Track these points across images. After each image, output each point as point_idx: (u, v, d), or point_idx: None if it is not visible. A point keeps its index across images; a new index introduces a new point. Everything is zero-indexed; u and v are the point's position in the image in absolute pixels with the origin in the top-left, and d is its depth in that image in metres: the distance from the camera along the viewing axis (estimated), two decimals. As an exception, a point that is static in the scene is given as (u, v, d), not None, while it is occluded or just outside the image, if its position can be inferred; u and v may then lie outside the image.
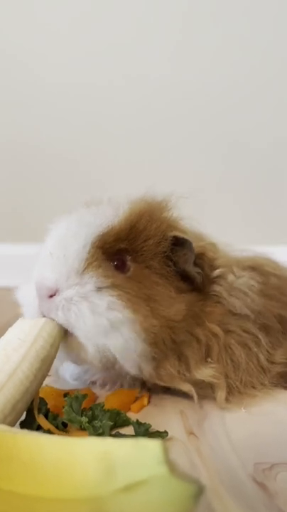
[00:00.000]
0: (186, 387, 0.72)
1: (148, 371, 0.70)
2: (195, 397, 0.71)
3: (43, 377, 0.63)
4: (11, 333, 0.62)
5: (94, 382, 0.80)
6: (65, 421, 0.63)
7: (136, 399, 0.73)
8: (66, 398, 0.64)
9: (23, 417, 0.62)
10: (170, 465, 0.34)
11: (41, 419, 0.61)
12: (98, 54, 2.01)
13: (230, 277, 0.78)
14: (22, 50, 2.05)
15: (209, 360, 0.73)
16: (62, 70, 2.05)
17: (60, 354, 0.69)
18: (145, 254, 0.73)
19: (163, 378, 0.72)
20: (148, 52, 1.97)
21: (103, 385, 0.79)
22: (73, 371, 0.81)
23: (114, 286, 0.68)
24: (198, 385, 0.72)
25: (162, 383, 0.72)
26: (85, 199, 0.82)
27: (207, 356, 0.73)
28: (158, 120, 2.02)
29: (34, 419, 0.61)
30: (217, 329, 0.74)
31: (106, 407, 0.66)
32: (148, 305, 0.69)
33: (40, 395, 0.66)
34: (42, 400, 0.65)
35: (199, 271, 0.75)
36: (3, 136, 2.13)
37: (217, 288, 0.77)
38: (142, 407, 0.71)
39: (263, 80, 1.95)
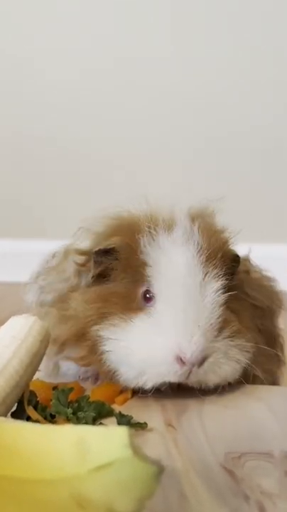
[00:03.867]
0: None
1: None
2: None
3: (33, 372, 0.68)
4: (3, 331, 0.67)
5: (86, 378, 0.85)
6: (52, 413, 0.69)
7: (121, 392, 0.78)
8: (53, 392, 0.70)
9: (14, 408, 0.67)
10: (135, 448, 0.40)
11: (30, 411, 0.66)
12: (99, 48, 2.02)
13: None
14: (23, 44, 2.07)
15: None
16: (64, 63, 2.06)
17: None
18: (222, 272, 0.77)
19: None
20: (149, 50, 1.97)
21: (95, 380, 0.84)
22: (70, 366, 0.85)
23: (242, 332, 0.77)
24: None
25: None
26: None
27: None
28: (157, 115, 2.04)
29: (24, 410, 0.66)
30: None
31: (92, 399, 0.71)
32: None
33: (31, 388, 0.71)
34: (32, 392, 0.70)
35: None
36: (4, 130, 2.13)
37: None
38: (126, 399, 0.76)
39: (263, 76, 1.95)
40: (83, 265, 0.81)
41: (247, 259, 0.88)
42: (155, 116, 2.03)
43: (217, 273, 0.75)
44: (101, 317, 0.76)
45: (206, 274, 0.75)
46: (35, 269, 0.90)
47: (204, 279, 0.74)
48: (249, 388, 0.80)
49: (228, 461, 0.61)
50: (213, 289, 0.74)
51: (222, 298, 0.75)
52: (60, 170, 2.11)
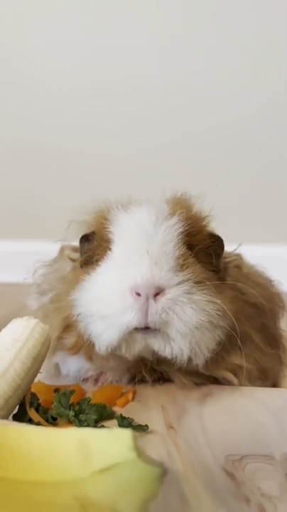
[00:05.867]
0: (228, 375, 0.78)
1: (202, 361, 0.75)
2: (236, 381, 0.78)
3: (34, 375, 0.68)
4: (4, 333, 0.67)
5: (86, 379, 0.85)
6: (54, 415, 0.69)
7: (122, 394, 0.78)
8: (55, 394, 0.70)
9: (15, 411, 0.67)
10: (138, 451, 0.40)
11: (32, 413, 0.67)
12: (99, 50, 2.02)
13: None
14: (22, 45, 2.07)
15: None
16: (64, 65, 2.06)
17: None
18: (198, 250, 0.78)
19: (209, 367, 0.77)
20: (148, 47, 1.97)
21: (95, 382, 0.84)
22: (70, 368, 0.86)
23: (206, 282, 0.73)
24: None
25: (207, 372, 0.78)
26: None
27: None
28: (156, 115, 2.04)
29: (25, 412, 0.67)
30: None
31: (93, 402, 0.71)
32: (218, 297, 0.74)
33: (32, 391, 0.71)
34: (34, 395, 0.70)
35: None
36: (4, 132, 2.13)
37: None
38: (127, 402, 0.77)
39: (263, 73, 1.95)
40: (77, 261, 0.83)
41: (239, 255, 0.88)
42: (154, 116, 2.03)
43: (176, 224, 0.75)
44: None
45: (164, 225, 0.74)
46: (34, 270, 0.90)
47: (161, 226, 0.74)
48: (250, 390, 0.81)
49: (229, 463, 0.61)
50: (168, 226, 0.74)
51: (178, 234, 0.74)
52: (59, 170, 2.11)
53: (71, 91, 2.05)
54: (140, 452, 0.40)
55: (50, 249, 0.92)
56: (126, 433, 0.41)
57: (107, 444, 0.42)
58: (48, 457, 0.44)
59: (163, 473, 0.39)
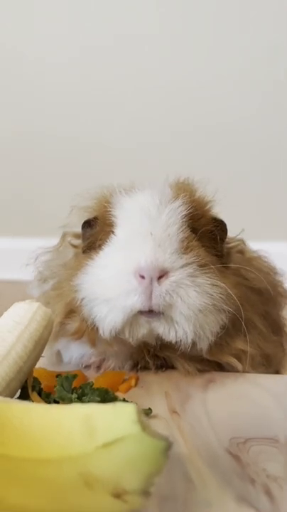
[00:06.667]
0: (232, 360, 0.78)
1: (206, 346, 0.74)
2: (240, 366, 0.77)
3: (37, 358, 0.67)
4: (7, 316, 0.67)
5: (88, 366, 0.85)
6: (56, 399, 0.68)
7: (124, 380, 0.77)
8: (57, 378, 0.69)
9: (18, 394, 0.66)
10: (143, 424, 0.39)
11: (34, 396, 0.66)
12: (98, 47, 2.02)
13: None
14: (22, 43, 2.07)
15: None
16: (66, 62, 2.06)
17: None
18: (202, 234, 0.77)
19: (213, 352, 0.77)
20: (148, 45, 1.97)
21: (97, 369, 0.83)
22: (73, 354, 0.85)
23: (210, 265, 0.73)
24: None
25: (211, 357, 0.77)
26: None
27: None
28: (157, 112, 2.03)
29: (28, 396, 0.66)
30: None
31: (96, 386, 0.70)
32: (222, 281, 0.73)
33: (34, 375, 0.71)
34: (36, 379, 0.70)
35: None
36: (4, 129, 2.13)
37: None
38: (129, 388, 0.76)
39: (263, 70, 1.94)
40: (80, 247, 0.83)
41: (242, 241, 0.87)
42: (155, 113, 2.03)
43: (180, 207, 0.74)
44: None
45: (168, 208, 0.74)
46: (35, 257, 0.90)
47: (165, 209, 0.73)
48: (253, 377, 0.80)
49: (233, 446, 0.61)
50: (171, 209, 0.73)
51: (182, 217, 0.73)
52: (61, 167, 2.11)
53: (71, 92, 2.05)
54: (144, 426, 0.39)
55: (51, 246, 0.91)
56: (130, 407, 0.40)
57: (111, 419, 0.41)
58: (52, 434, 0.44)
59: (168, 446, 0.39)
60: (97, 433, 0.41)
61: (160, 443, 0.39)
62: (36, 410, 0.46)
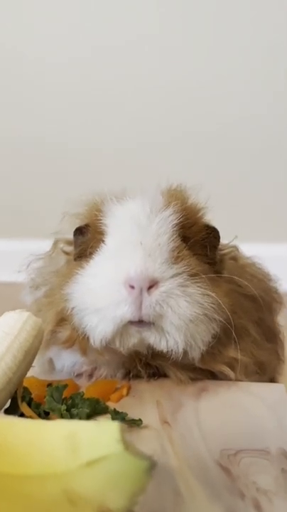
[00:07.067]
0: (224, 369, 0.77)
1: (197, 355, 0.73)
2: (232, 375, 0.76)
3: (27, 368, 0.67)
4: (-4, 326, 0.66)
5: (80, 375, 0.84)
6: (46, 410, 0.68)
7: (116, 389, 0.77)
8: (47, 388, 0.69)
9: (7, 405, 0.66)
10: (126, 444, 0.39)
11: (24, 407, 0.65)
12: (98, 47, 2.02)
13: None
14: (22, 43, 2.06)
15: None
16: (64, 63, 2.05)
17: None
18: (194, 242, 0.77)
19: (206, 360, 0.76)
20: (148, 45, 1.96)
21: (89, 377, 0.83)
22: (65, 363, 0.85)
23: (201, 274, 0.72)
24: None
25: (203, 366, 0.77)
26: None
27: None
28: (155, 113, 2.03)
29: (17, 407, 0.65)
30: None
31: (86, 396, 0.70)
32: (214, 290, 0.72)
33: (25, 385, 0.70)
34: (26, 389, 0.69)
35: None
36: (4, 129, 2.12)
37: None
38: (121, 397, 0.75)
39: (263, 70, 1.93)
40: (72, 254, 0.82)
41: (235, 247, 0.87)
42: (154, 114, 2.02)
43: (171, 216, 0.73)
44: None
45: (159, 217, 0.73)
46: (27, 264, 0.89)
47: (155, 218, 0.73)
48: (246, 385, 0.80)
49: (224, 458, 0.60)
50: (162, 218, 0.73)
51: (173, 226, 0.73)
52: (58, 170, 2.10)
53: (71, 92, 2.05)
54: (127, 445, 0.39)
55: (47, 248, 0.91)
56: (114, 425, 0.40)
57: (95, 437, 0.40)
58: (35, 450, 0.43)
59: (152, 466, 0.38)
60: (81, 450, 0.41)
61: (143, 462, 0.38)
62: (20, 426, 0.46)
